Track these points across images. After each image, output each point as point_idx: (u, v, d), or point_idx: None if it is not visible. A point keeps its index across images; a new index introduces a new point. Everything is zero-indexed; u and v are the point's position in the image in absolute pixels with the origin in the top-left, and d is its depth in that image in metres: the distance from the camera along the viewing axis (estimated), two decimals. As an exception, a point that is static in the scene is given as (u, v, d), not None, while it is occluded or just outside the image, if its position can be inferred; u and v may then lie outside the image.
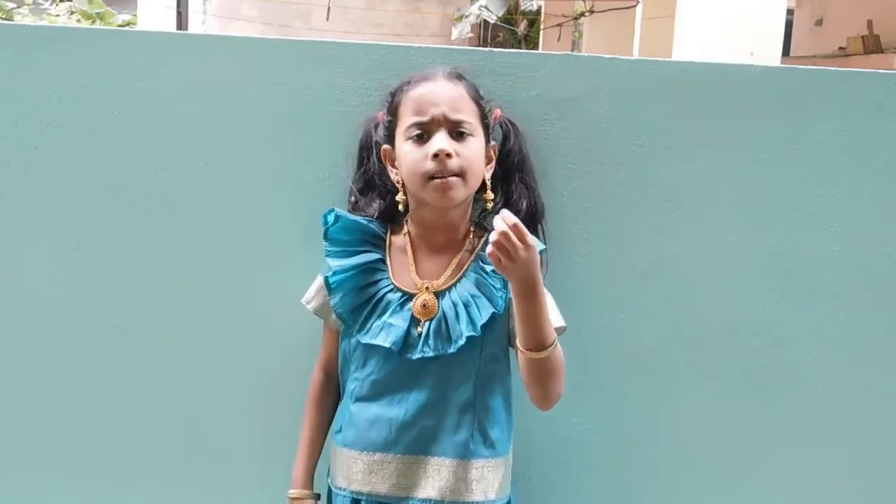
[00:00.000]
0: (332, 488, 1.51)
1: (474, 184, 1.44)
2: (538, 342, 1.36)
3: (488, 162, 1.48)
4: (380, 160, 1.52)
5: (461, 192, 1.41)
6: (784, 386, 1.74)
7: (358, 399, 1.47)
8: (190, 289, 1.70)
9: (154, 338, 1.71)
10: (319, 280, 1.52)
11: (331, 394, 1.57)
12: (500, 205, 1.50)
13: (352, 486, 1.46)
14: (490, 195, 1.48)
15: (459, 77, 1.47)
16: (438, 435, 1.43)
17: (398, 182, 1.48)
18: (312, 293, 1.54)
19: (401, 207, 1.48)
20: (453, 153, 1.39)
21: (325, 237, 1.48)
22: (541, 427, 1.70)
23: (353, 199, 1.56)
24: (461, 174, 1.40)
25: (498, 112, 1.54)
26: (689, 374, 1.73)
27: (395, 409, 1.44)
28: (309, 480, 1.55)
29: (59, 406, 1.73)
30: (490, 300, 1.42)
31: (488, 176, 1.48)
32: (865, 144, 1.69)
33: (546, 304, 1.37)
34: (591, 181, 1.67)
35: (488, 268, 1.42)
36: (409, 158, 1.42)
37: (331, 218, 1.48)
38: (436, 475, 1.43)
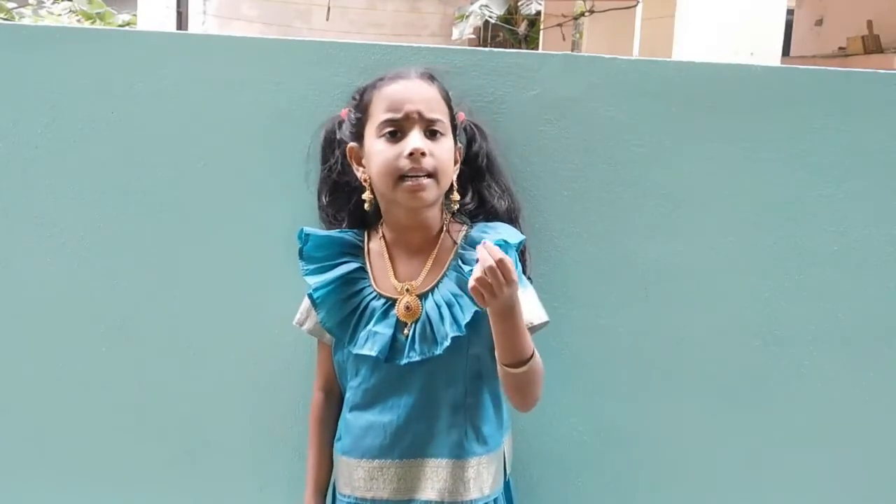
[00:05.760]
0: (338, 495, 1.52)
1: (445, 184, 1.43)
2: (516, 358, 1.36)
3: (455, 163, 1.48)
4: (344, 157, 1.50)
5: (433, 192, 1.41)
6: (784, 386, 1.74)
7: (353, 408, 1.48)
8: (191, 288, 1.70)
9: (154, 338, 1.71)
10: (308, 300, 1.51)
11: (333, 412, 1.55)
12: (472, 206, 1.50)
13: (355, 493, 1.47)
14: (456, 196, 1.47)
15: (432, 78, 1.46)
16: (433, 437, 1.44)
17: (365, 181, 1.46)
18: (304, 314, 1.54)
19: (367, 206, 1.47)
20: (428, 152, 1.38)
21: (301, 257, 1.48)
22: (541, 427, 1.70)
23: (323, 203, 1.54)
24: (434, 174, 1.39)
25: (462, 115, 1.52)
26: (688, 374, 1.73)
27: (388, 416, 1.44)
28: (322, 502, 1.56)
29: (58, 406, 1.73)
30: (472, 299, 1.40)
31: (454, 177, 1.47)
32: (865, 144, 1.69)
33: (523, 322, 1.35)
34: (591, 181, 1.67)
35: (467, 268, 1.40)
36: (380, 156, 1.40)
37: (301, 239, 1.48)
38: (434, 476, 1.44)
